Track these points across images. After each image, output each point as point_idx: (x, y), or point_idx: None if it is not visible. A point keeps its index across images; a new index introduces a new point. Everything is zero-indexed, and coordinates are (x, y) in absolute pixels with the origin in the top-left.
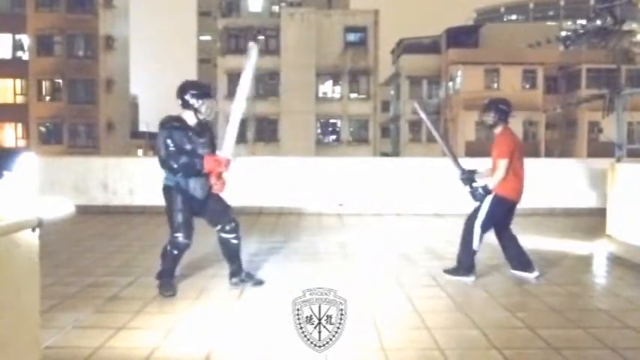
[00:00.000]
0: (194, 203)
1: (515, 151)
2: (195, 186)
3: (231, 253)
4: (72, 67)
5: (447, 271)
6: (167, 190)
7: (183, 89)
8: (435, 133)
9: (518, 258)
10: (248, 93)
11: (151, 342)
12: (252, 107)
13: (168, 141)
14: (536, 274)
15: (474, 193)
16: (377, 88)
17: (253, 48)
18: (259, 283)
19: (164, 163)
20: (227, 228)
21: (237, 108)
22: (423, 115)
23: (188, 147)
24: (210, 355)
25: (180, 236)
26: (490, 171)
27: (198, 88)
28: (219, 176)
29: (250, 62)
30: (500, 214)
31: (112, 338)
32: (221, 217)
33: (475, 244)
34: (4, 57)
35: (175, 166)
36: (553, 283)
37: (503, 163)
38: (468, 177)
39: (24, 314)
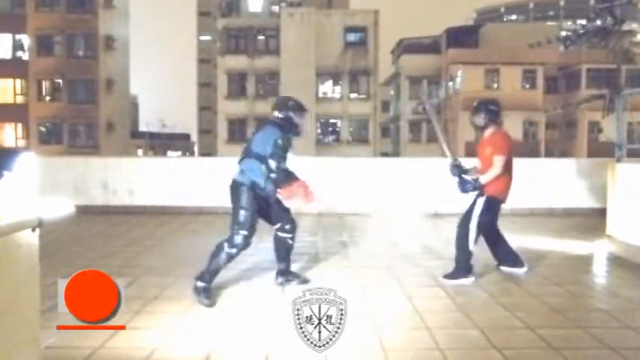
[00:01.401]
0: (262, 202)
1: (511, 151)
2: (273, 187)
3: (284, 252)
4: (72, 67)
5: (447, 276)
6: (237, 187)
7: (285, 102)
8: (434, 121)
9: (506, 254)
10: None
11: (151, 342)
12: (252, 107)
13: (280, 142)
14: (525, 269)
15: (463, 184)
16: (377, 88)
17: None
18: (305, 281)
19: (265, 160)
20: (286, 227)
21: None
22: (427, 105)
23: (289, 150)
24: (210, 355)
25: (244, 234)
26: (477, 171)
27: (297, 102)
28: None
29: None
30: (493, 214)
31: (112, 338)
32: (282, 216)
33: (471, 245)
34: (4, 57)
35: (275, 169)
36: (553, 283)
37: (500, 160)
38: (459, 166)
39: (24, 314)
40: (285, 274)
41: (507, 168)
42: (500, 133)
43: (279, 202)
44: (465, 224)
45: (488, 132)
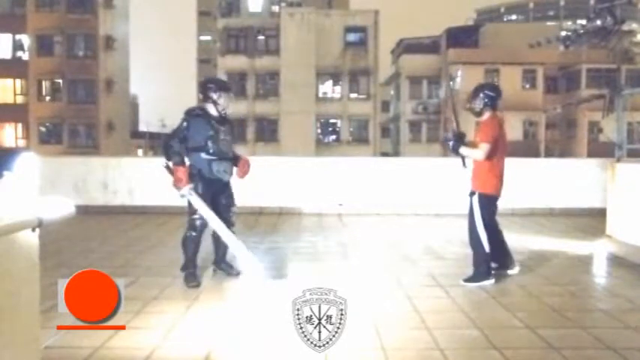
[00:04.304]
0: (217, 187)
1: (499, 141)
2: (219, 168)
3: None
4: (72, 67)
5: (467, 280)
6: (191, 176)
7: (203, 84)
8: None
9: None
10: None
11: (151, 342)
12: (252, 107)
13: (184, 125)
14: (517, 269)
15: (449, 140)
16: (377, 88)
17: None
18: (237, 274)
19: (165, 140)
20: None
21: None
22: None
23: (211, 132)
24: (210, 355)
25: (196, 217)
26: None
27: (216, 83)
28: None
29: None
30: (491, 210)
31: (112, 338)
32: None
33: (486, 246)
34: (4, 57)
35: (169, 144)
36: (553, 283)
37: (485, 147)
38: (459, 133)
39: (24, 314)
40: (217, 263)
41: (495, 158)
42: (494, 120)
43: (229, 196)
44: (472, 228)
45: (483, 118)
